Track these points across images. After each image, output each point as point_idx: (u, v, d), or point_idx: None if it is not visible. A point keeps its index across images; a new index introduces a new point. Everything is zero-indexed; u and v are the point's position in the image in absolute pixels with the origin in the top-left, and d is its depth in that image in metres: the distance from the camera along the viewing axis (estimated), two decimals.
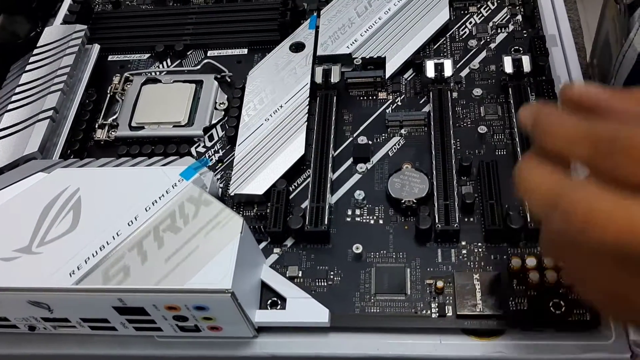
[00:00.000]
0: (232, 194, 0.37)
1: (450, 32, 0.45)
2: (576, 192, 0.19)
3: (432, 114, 0.39)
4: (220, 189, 0.38)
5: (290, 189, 0.38)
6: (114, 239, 0.31)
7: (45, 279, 0.30)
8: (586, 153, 0.19)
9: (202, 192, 0.32)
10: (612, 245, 0.18)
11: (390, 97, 0.42)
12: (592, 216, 0.18)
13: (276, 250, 0.35)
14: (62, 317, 0.32)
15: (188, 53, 0.47)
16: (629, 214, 0.18)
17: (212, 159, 0.41)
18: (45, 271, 0.30)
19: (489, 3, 0.46)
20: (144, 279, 0.29)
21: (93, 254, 0.30)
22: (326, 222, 0.35)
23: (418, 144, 0.39)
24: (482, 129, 0.38)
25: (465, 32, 0.44)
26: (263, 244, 0.36)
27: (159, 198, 0.32)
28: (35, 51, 0.44)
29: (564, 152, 0.20)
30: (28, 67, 0.43)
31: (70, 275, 0.30)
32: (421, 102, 0.41)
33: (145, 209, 0.32)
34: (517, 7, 0.45)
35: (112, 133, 0.42)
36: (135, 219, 0.31)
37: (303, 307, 0.32)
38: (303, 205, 0.36)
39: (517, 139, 0.37)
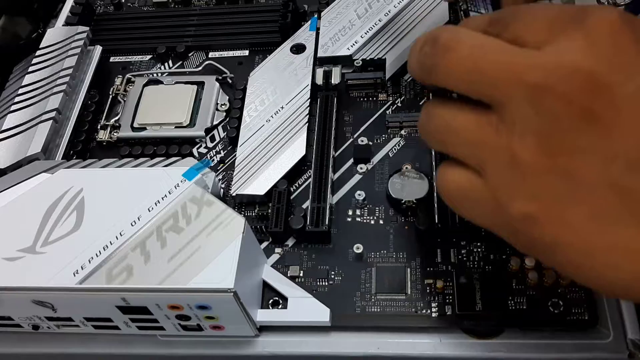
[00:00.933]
0: (233, 195, 0.37)
1: None
2: (448, 29, 0.22)
3: None
4: (222, 190, 0.38)
5: (292, 189, 0.38)
6: (117, 238, 0.31)
7: (49, 279, 0.30)
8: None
9: (205, 192, 0.33)
10: (464, 68, 0.21)
11: (391, 98, 0.42)
12: (454, 41, 0.21)
13: (277, 250, 0.36)
14: (66, 317, 0.32)
15: (189, 54, 0.47)
16: (481, 42, 0.21)
17: (213, 160, 0.41)
18: (49, 271, 0.31)
19: (488, 4, 0.46)
20: (147, 278, 0.30)
21: (96, 254, 0.31)
22: (327, 223, 0.35)
23: (418, 145, 0.39)
24: None
25: None
26: (264, 244, 0.36)
27: (162, 198, 0.32)
28: (38, 53, 0.45)
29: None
30: (31, 69, 0.44)
31: (74, 275, 0.30)
32: (421, 103, 0.41)
33: (148, 209, 0.32)
34: None
35: (115, 134, 0.43)
36: (138, 219, 0.32)
37: (304, 307, 0.33)
38: (304, 206, 0.37)
39: None
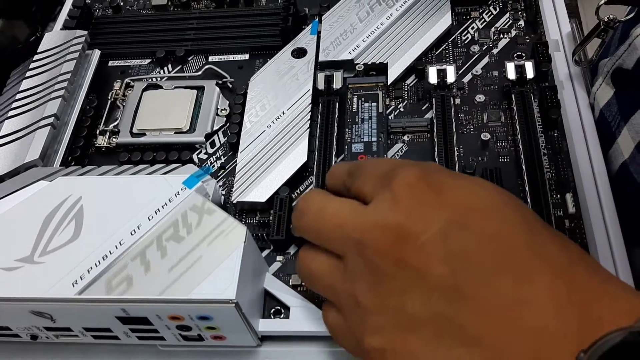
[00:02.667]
0: (234, 202, 0.37)
1: (453, 37, 0.45)
2: (305, 197, 0.29)
3: (434, 121, 0.39)
4: (222, 197, 0.38)
5: (293, 196, 0.38)
6: (116, 248, 0.31)
7: (47, 289, 0.30)
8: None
9: (205, 200, 0.32)
10: (312, 229, 0.28)
11: (393, 103, 0.42)
12: (305, 207, 0.28)
13: (279, 258, 0.35)
14: (65, 327, 0.32)
15: (189, 58, 0.47)
16: (323, 206, 0.27)
17: (214, 166, 0.41)
18: (48, 281, 0.30)
19: (490, 8, 0.46)
20: (147, 289, 0.29)
21: (96, 264, 0.30)
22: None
23: (421, 151, 0.39)
24: (485, 136, 0.38)
25: (468, 38, 0.44)
26: (266, 252, 0.36)
27: (162, 207, 0.32)
28: (36, 57, 0.44)
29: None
30: (28, 74, 0.43)
31: (73, 285, 0.30)
32: (423, 108, 0.41)
33: (148, 217, 0.32)
34: (520, 13, 0.45)
35: (113, 140, 0.42)
36: (138, 228, 0.31)
37: (307, 316, 0.32)
38: None
39: (520, 146, 0.37)
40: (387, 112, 0.41)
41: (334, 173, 0.30)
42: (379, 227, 0.24)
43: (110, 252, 0.31)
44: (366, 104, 0.40)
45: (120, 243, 0.31)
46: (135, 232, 0.31)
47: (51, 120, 0.41)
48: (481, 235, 0.22)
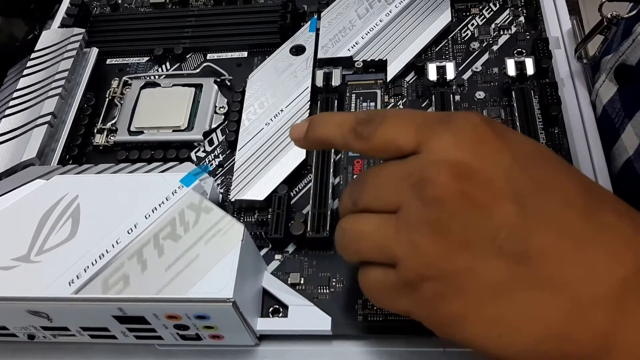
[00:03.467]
0: (232, 200, 0.37)
1: (452, 34, 0.44)
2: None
3: None
4: (220, 195, 0.38)
5: (292, 194, 0.38)
6: (113, 247, 0.31)
7: (44, 288, 0.30)
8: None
9: (203, 199, 0.32)
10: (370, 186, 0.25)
11: (392, 100, 0.41)
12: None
13: (277, 256, 0.35)
14: (62, 326, 0.32)
15: (187, 56, 0.47)
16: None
17: (212, 164, 0.40)
18: (44, 280, 0.30)
19: (490, 4, 0.45)
20: (144, 288, 0.29)
21: (92, 263, 0.30)
22: (328, 229, 0.34)
23: None
24: None
25: (467, 34, 0.44)
26: (264, 251, 0.36)
27: (159, 205, 0.32)
28: (33, 55, 0.44)
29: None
30: (25, 72, 0.43)
31: (70, 285, 0.30)
32: (423, 105, 0.41)
33: (145, 216, 0.32)
34: (520, 9, 0.45)
35: (111, 138, 0.42)
36: (135, 226, 0.31)
37: (305, 315, 0.32)
38: (304, 211, 0.36)
39: None
40: (388, 108, 0.41)
41: (335, 118, 0.27)
42: (440, 163, 0.22)
43: (106, 251, 0.31)
44: (364, 104, 0.40)
45: (117, 242, 0.31)
46: (132, 230, 0.31)
47: (48, 118, 0.40)
48: (545, 177, 0.23)
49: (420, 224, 0.23)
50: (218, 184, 0.39)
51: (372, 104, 0.40)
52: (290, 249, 0.35)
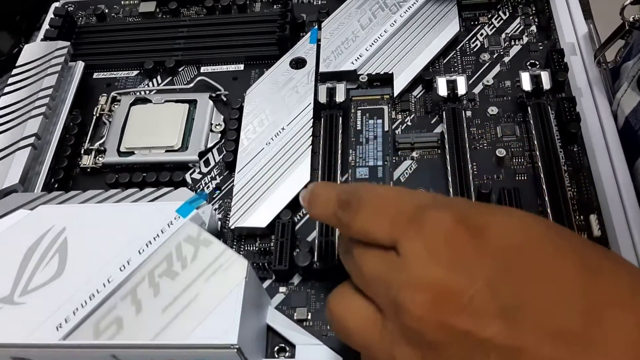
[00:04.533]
0: (232, 227, 0.35)
1: (461, 44, 0.42)
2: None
3: (445, 135, 0.37)
4: (219, 222, 0.36)
5: (296, 219, 0.36)
6: (104, 286, 0.28)
7: (29, 334, 0.27)
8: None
9: (201, 230, 0.30)
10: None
11: (400, 116, 0.40)
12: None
13: (282, 289, 0.33)
14: None
15: (180, 69, 0.45)
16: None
17: (209, 187, 0.38)
18: (29, 325, 0.28)
19: (500, 13, 0.44)
20: (140, 332, 0.27)
21: (82, 304, 0.28)
22: (337, 257, 0.32)
23: (431, 168, 0.37)
24: (500, 152, 0.36)
25: (477, 45, 0.42)
26: (267, 282, 0.34)
27: (154, 239, 0.30)
28: (14, 71, 0.41)
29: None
30: (6, 89, 0.40)
31: (57, 329, 0.27)
32: (432, 121, 0.39)
33: (139, 251, 0.29)
34: (531, 17, 0.43)
35: (99, 159, 0.40)
36: (128, 262, 0.29)
37: (314, 355, 0.30)
38: (310, 238, 0.34)
39: (539, 163, 0.35)
40: (394, 126, 0.39)
41: (321, 198, 0.27)
42: (412, 286, 0.21)
43: (97, 290, 0.28)
44: (371, 121, 0.38)
45: (108, 280, 0.29)
46: (124, 267, 0.29)
47: (32, 140, 0.38)
48: (531, 277, 0.20)
49: (401, 344, 0.22)
50: (216, 209, 0.37)
51: (379, 121, 0.38)
52: (296, 280, 0.33)
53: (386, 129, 0.38)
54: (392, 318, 0.22)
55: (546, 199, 0.33)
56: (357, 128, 0.38)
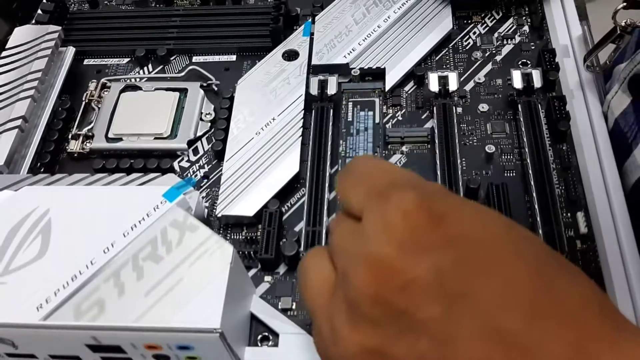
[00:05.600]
0: (219, 215, 0.35)
1: (453, 42, 0.43)
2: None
3: (435, 131, 0.37)
4: (206, 210, 0.35)
5: (283, 209, 0.36)
6: (87, 268, 0.28)
7: (9, 314, 0.27)
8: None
9: (188, 215, 0.30)
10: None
11: (390, 110, 0.40)
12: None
13: (267, 278, 0.33)
14: (29, 354, 0.29)
15: (171, 58, 0.45)
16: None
17: (196, 175, 0.38)
18: (10, 304, 0.27)
19: (493, 12, 0.44)
20: (121, 315, 0.27)
21: (64, 285, 0.28)
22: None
23: (421, 163, 0.37)
24: (489, 148, 0.36)
25: (469, 43, 0.43)
26: (253, 271, 0.33)
27: (139, 222, 0.30)
28: (3, 54, 0.41)
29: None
30: None
31: (38, 310, 0.27)
32: (423, 117, 0.39)
33: (123, 234, 0.29)
34: (524, 18, 0.43)
35: (87, 145, 0.40)
36: (112, 245, 0.29)
37: (297, 344, 0.30)
38: (297, 229, 0.34)
39: (527, 160, 0.35)
40: (385, 120, 0.39)
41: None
42: (361, 258, 0.21)
43: (80, 272, 0.28)
44: (362, 113, 0.38)
45: (91, 262, 0.28)
46: (108, 250, 0.29)
47: (19, 122, 0.38)
48: (482, 271, 0.20)
49: (341, 313, 0.22)
50: (203, 197, 0.37)
51: (370, 112, 0.39)
52: (282, 270, 0.33)
53: (377, 121, 0.38)
54: (341, 286, 0.22)
55: (534, 195, 0.33)
56: (348, 119, 0.38)
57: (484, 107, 0.39)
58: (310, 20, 0.44)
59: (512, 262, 0.20)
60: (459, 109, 0.39)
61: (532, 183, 0.34)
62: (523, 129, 0.36)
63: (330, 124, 0.38)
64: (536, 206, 0.33)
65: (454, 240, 0.20)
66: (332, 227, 0.24)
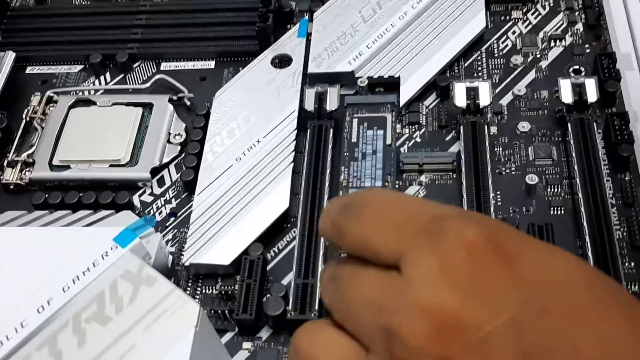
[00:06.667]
0: (186, 264, 0.35)
1: (487, 44, 0.43)
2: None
3: (462, 156, 0.37)
4: (170, 257, 0.36)
5: (268, 256, 0.36)
6: (16, 331, 0.29)
7: None
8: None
9: (144, 265, 0.30)
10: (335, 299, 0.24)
11: (407, 130, 0.40)
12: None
13: (246, 345, 0.34)
14: None
15: (134, 65, 0.46)
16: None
17: (161, 212, 0.39)
18: None
19: (538, 7, 0.45)
20: None
21: None
22: (317, 307, 0.33)
23: (444, 196, 0.37)
24: (531, 179, 0.37)
25: (507, 46, 0.43)
26: (228, 336, 0.34)
27: (83, 273, 0.30)
28: None
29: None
30: None
31: None
32: (447, 139, 0.40)
33: (63, 288, 0.30)
34: (577, 13, 0.44)
35: (26, 174, 0.40)
36: (48, 303, 0.29)
37: None
38: (285, 281, 0.35)
39: (579, 193, 0.35)
40: (399, 143, 0.40)
41: (329, 205, 0.27)
42: (414, 309, 0.21)
43: (7, 337, 0.29)
44: (369, 132, 0.39)
45: (22, 324, 0.29)
46: (43, 308, 0.29)
47: None
48: (571, 327, 0.20)
49: None
50: (168, 241, 0.37)
51: (381, 132, 0.39)
52: (264, 334, 0.34)
53: (388, 142, 0.38)
54: (379, 352, 0.22)
55: (587, 239, 0.33)
56: (352, 140, 0.39)
57: (524, 126, 0.39)
58: (307, 17, 0.45)
59: (604, 317, 0.20)
60: (493, 129, 0.39)
61: (585, 223, 0.34)
62: (574, 155, 0.36)
63: (330, 147, 0.38)
64: (590, 254, 0.33)
65: (534, 287, 0.20)
66: (345, 283, 0.24)
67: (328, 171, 0.38)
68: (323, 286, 0.26)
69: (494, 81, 0.41)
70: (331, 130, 0.39)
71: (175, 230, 0.38)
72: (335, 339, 0.23)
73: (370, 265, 0.23)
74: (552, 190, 0.37)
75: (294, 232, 0.36)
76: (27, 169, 0.40)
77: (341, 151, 0.39)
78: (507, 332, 0.20)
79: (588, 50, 0.42)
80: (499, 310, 0.20)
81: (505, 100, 0.41)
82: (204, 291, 0.35)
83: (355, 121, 0.40)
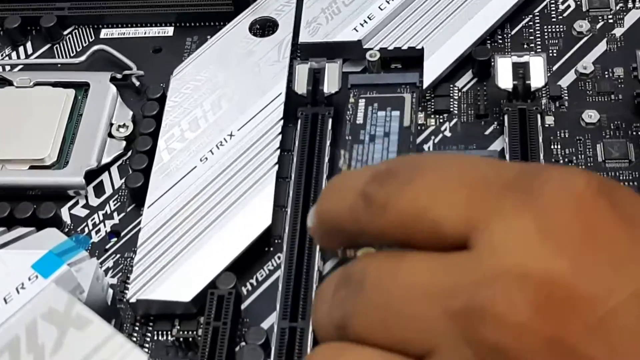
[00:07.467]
0: (132, 301, 0.35)
1: (541, 6, 0.44)
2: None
3: (507, 156, 0.37)
4: (111, 291, 0.36)
5: (244, 291, 0.36)
6: None
7: None
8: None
9: (74, 301, 0.31)
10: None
11: (433, 121, 0.41)
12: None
13: None
14: None
15: (65, 33, 0.47)
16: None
17: (98, 231, 0.39)
18: None
19: None
20: None
21: None
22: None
23: None
24: None
25: (569, 7, 0.44)
26: None
27: None
28: None
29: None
30: None
31: None
32: (487, 132, 0.40)
33: None
34: None
35: None
36: None
37: None
38: (265, 325, 0.35)
39: None
40: (421, 139, 0.40)
41: (340, 186, 0.27)
42: (511, 279, 0.21)
43: None
44: (381, 113, 0.39)
45: None
46: None
47: None
48: None
49: None
50: (107, 270, 0.38)
51: (396, 112, 0.39)
52: None
53: (406, 124, 0.38)
54: (449, 349, 0.22)
55: None
56: (357, 122, 0.39)
57: (591, 115, 0.40)
58: None
59: None
60: (549, 119, 0.40)
61: None
62: None
63: (328, 143, 0.39)
64: None
65: None
66: (376, 276, 0.24)
67: (325, 176, 0.38)
68: (325, 302, 0.26)
69: (550, 55, 0.42)
70: (330, 121, 0.39)
71: (118, 256, 0.38)
72: (370, 356, 0.23)
73: (411, 251, 0.23)
74: None
75: (279, 258, 0.37)
76: None
77: (343, 136, 0.39)
78: (633, 309, 0.20)
79: None
80: (622, 280, 0.21)
81: (565, 81, 0.41)
82: (155, 337, 0.35)
83: (362, 102, 0.40)
